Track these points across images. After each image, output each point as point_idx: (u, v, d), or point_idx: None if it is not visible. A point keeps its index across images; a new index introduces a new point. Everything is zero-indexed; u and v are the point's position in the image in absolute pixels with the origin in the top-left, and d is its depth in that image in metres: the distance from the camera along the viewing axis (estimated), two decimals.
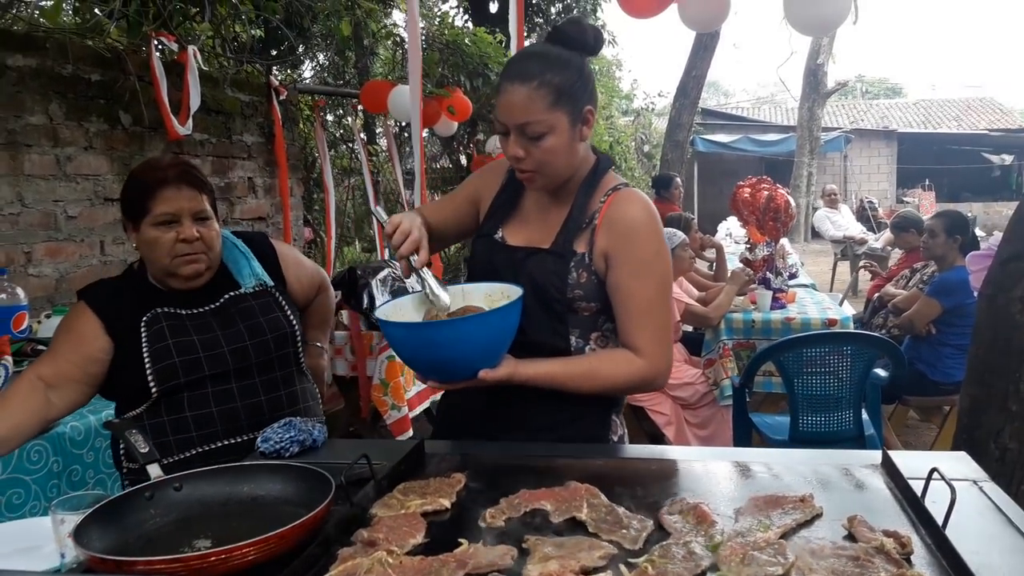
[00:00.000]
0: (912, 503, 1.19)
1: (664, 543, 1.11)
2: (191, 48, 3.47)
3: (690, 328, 4.69)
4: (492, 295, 1.52)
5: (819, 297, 4.79)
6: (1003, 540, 1.10)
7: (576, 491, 1.29)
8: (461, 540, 1.15)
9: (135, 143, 3.50)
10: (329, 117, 8.93)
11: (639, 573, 1.02)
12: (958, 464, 1.40)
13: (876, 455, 1.39)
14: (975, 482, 1.31)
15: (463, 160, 7.25)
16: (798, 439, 3.25)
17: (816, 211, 11.38)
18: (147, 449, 1.38)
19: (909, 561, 1.03)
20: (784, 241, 7.73)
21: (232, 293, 1.89)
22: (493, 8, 12.29)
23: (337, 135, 9.00)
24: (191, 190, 1.81)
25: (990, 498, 1.25)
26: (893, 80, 42.76)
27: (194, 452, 1.81)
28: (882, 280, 5.34)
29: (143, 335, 1.77)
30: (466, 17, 12.87)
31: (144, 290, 1.86)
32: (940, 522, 1.08)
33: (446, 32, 6.58)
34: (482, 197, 1.74)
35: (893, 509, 1.20)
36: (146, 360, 1.76)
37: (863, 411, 3.37)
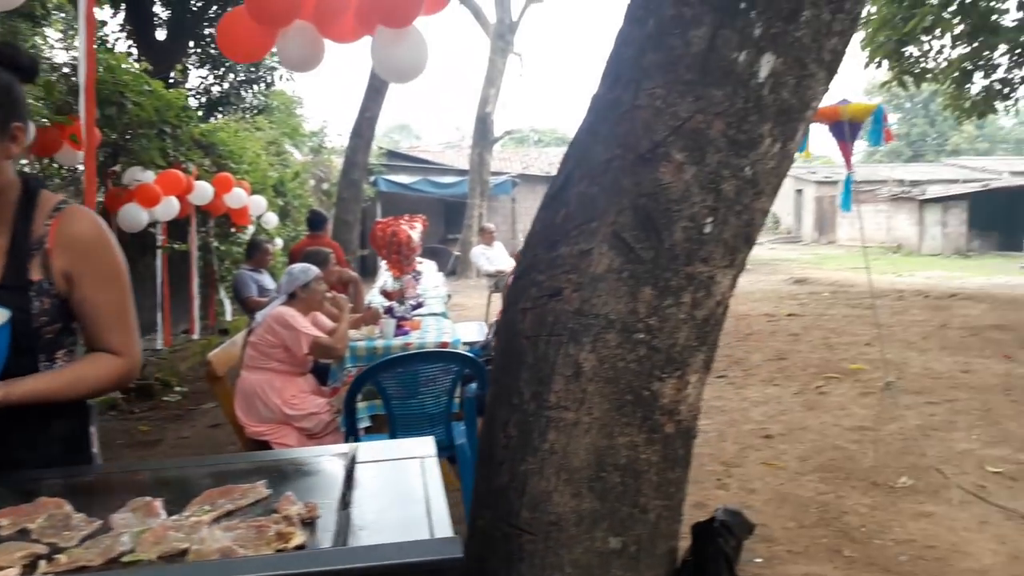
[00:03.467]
0: (346, 478, 1.40)
1: (98, 536, 1.19)
2: None
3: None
4: None
5: (444, 324, 5.18)
6: (402, 504, 1.33)
7: (42, 505, 1.33)
8: None
9: None
10: None
11: (53, 564, 1.10)
12: (414, 446, 1.65)
13: (347, 447, 1.60)
14: (420, 458, 1.57)
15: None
16: None
17: (473, 248, 12.27)
18: None
19: (313, 525, 1.21)
20: (431, 272, 8.24)
21: None
22: (161, 35, 11.69)
23: None
24: None
25: (424, 471, 1.50)
26: (562, 130, 47.50)
27: None
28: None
29: None
30: (130, 42, 12.08)
31: None
32: (351, 491, 1.29)
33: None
34: None
35: (333, 487, 1.40)
36: None
37: (457, 423, 3.71)
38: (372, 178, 19.15)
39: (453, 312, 10.65)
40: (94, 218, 1.66)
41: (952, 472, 4.26)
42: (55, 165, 6.16)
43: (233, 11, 3.90)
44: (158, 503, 1.30)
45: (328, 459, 1.56)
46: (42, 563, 1.11)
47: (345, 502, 1.26)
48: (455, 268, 18.55)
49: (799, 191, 34.34)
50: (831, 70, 1.90)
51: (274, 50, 3.95)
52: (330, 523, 1.21)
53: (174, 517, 1.25)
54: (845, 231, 29.44)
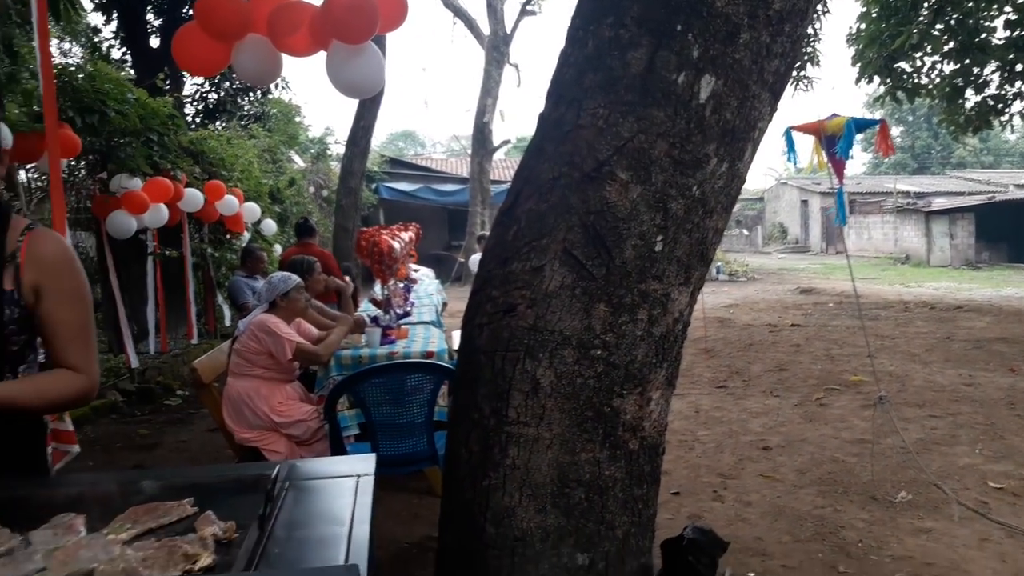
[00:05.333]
0: (268, 498, 1.40)
1: (15, 552, 1.20)
2: None
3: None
4: None
5: (433, 333, 5.18)
6: (323, 526, 1.34)
7: None
8: None
9: None
10: None
11: None
12: (354, 463, 1.65)
13: (275, 465, 1.60)
14: (356, 476, 1.57)
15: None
16: (379, 464, 3.49)
17: (472, 255, 12.30)
18: None
19: (230, 545, 1.22)
20: (428, 280, 8.25)
21: None
22: (155, 43, 11.78)
23: None
24: None
25: (358, 490, 1.50)
26: None
27: None
28: None
29: None
30: (124, 49, 12.17)
31: None
32: (273, 512, 1.30)
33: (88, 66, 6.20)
34: None
35: (257, 506, 1.40)
36: None
37: (442, 433, 3.72)
38: (374, 185, 19.25)
39: (453, 319, 10.63)
40: (62, 240, 1.75)
41: (953, 487, 4.18)
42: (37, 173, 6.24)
43: (186, 25, 3.93)
44: (80, 520, 1.30)
45: (255, 476, 1.56)
46: None
47: (263, 523, 1.27)
48: (460, 275, 18.59)
49: (804, 202, 34.29)
50: (776, 91, 1.90)
51: None
52: (248, 544, 1.22)
53: (92, 535, 1.26)
54: (852, 241, 29.37)
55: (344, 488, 1.51)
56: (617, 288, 2.01)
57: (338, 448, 3.74)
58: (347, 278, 6.36)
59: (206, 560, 1.13)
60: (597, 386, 2.10)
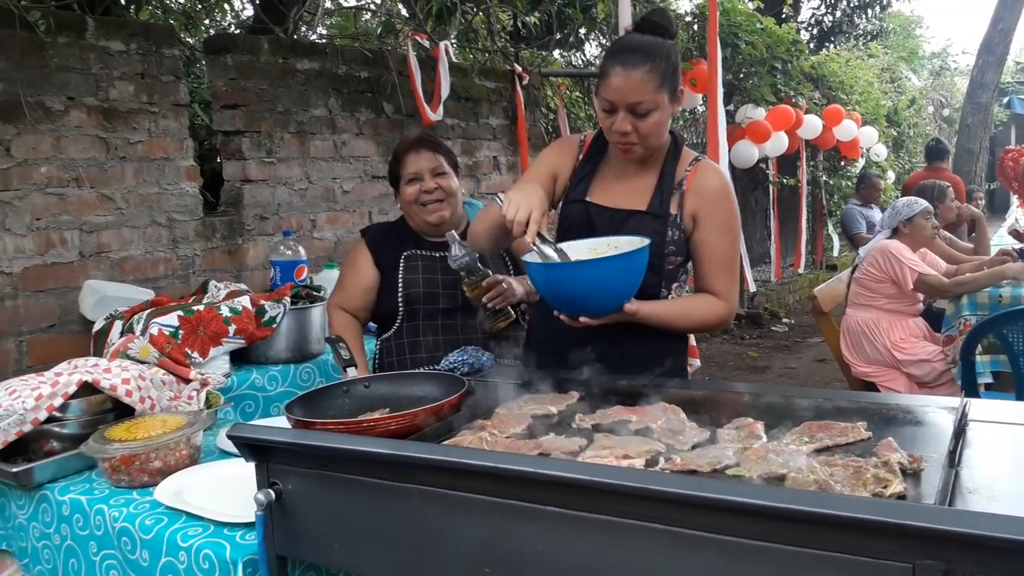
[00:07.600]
0: (956, 434, 1.26)
1: (705, 446, 1.32)
2: (443, 44, 4.05)
3: (938, 303, 4.42)
4: (596, 248, 1.73)
5: None
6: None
7: (662, 409, 1.52)
8: (553, 434, 1.45)
9: (396, 129, 4.16)
10: None
11: (669, 463, 1.26)
12: None
13: (958, 400, 1.44)
14: None
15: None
16: None
17: None
18: (348, 356, 1.85)
19: (917, 477, 1.15)
20: None
21: None
22: None
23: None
24: (428, 152, 2.34)
25: None
26: None
27: (423, 369, 2.22)
28: None
29: (401, 267, 2.29)
30: None
31: (408, 234, 2.38)
32: (960, 449, 1.18)
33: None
34: (560, 170, 1.97)
35: (939, 440, 1.28)
36: (399, 287, 2.28)
37: None
38: (1005, 99, 16.49)
39: None
40: (723, 173, 1.90)
41: None
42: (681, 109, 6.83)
43: None
44: (759, 425, 1.37)
45: (935, 411, 1.43)
46: (660, 460, 1.28)
47: (953, 459, 1.16)
48: None
49: None
50: None
51: None
52: (934, 478, 1.12)
53: (773, 442, 1.31)
54: None
55: None
56: None
57: (972, 395, 3.35)
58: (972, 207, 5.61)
59: (896, 487, 1.07)
60: None
